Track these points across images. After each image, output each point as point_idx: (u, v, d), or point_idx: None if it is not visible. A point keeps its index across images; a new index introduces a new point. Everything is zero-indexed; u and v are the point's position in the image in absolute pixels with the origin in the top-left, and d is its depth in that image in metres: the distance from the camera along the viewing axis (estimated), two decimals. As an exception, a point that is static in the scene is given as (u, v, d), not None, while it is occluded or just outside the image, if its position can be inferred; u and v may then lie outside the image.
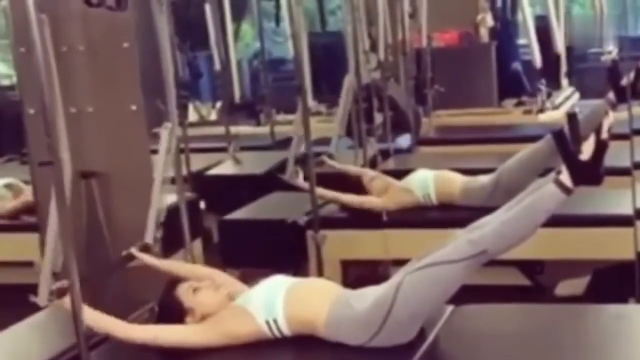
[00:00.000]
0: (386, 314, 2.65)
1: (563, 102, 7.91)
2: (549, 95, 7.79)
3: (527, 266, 4.52)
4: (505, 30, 8.57)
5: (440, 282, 2.66)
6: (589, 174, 2.61)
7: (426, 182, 4.53)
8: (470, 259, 2.63)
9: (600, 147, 2.59)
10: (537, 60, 7.49)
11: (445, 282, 2.66)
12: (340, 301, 2.76)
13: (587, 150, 2.60)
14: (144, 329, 2.85)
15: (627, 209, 3.97)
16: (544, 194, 2.63)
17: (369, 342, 2.67)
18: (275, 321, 2.76)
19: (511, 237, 2.66)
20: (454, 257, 2.64)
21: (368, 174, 4.73)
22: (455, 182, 4.50)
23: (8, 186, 5.20)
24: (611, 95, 4.49)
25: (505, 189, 4.13)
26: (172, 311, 2.86)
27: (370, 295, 2.74)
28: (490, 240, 2.64)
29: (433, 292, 2.68)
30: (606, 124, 2.61)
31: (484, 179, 4.43)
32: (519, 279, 4.52)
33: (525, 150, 4.38)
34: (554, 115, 7.28)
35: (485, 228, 2.69)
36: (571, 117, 2.67)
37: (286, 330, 2.78)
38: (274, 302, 2.77)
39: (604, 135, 2.59)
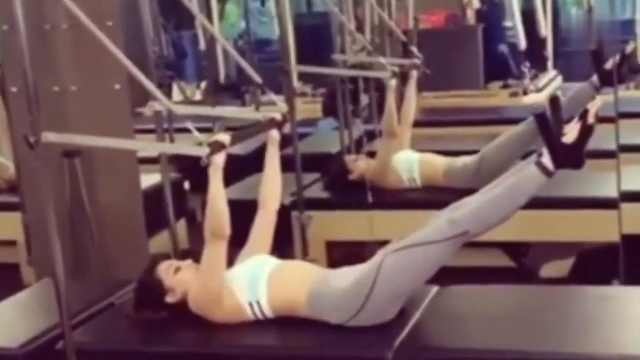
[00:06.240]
0: (368, 294, 2.65)
1: (547, 85, 7.91)
2: (536, 77, 7.80)
3: (512, 248, 4.53)
4: (492, 12, 8.54)
5: (422, 262, 2.66)
6: (572, 157, 2.59)
7: (412, 165, 4.53)
8: (451, 240, 2.64)
9: (586, 132, 2.57)
10: (522, 42, 7.52)
11: (426, 262, 2.67)
12: (321, 281, 2.77)
13: (572, 133, 2.58)
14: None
15: (612, 192, 3.98)
16: (526, 176, 2.63)
17: (350, 320, 2.67)
18: (258, 303, 2.76)
19: (492, 218, 2.66)
20: (436, 238, 2.64)
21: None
22: (438, 165, 4.51)
23: None
24: (595, 79, 4.48)
25: (488, 171, 4.12)
26: (151, 289, 2.83)
27: (350, 274, 2.74)
28: (471, 221, 2.64)
29: (414, 273, 2.68)
30: (594, 109, 2.60)
31: (466, 159, 4.44)
32: (504, 261, 4.53)
33: (508, 133, 4.38)
34: (537, 98, 7.28)
35: (465, 208, 2.69)
36: (554, 100, 2.66)
37: (269, 313, 2.78)
38: (257, 284, 2.78)
39: (591, 120, 2.58)
